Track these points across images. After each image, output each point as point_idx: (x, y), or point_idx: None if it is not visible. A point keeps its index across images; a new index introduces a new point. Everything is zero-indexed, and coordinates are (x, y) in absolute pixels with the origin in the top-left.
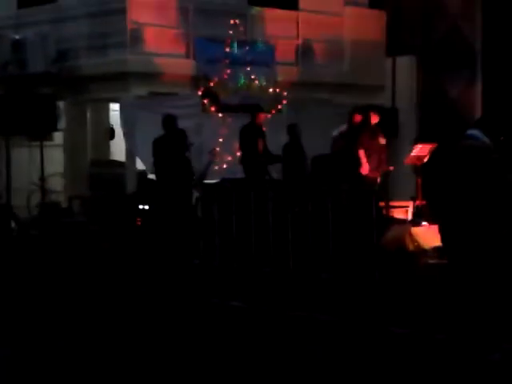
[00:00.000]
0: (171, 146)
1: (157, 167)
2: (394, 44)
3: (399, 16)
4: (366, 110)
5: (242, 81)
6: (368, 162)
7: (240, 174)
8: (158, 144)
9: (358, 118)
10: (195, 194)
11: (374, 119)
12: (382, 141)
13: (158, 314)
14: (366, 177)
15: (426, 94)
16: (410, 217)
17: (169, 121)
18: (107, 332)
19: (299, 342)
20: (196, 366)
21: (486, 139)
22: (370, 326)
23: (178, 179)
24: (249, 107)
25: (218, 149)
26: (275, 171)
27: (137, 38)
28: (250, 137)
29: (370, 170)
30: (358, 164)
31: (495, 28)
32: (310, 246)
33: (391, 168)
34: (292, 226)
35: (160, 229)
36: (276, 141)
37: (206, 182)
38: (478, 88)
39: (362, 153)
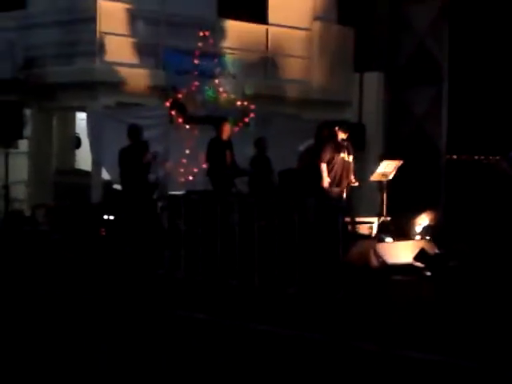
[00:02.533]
0: (137, 157)
1: (122, 177)
2: (362, 60)
3: (367, 32)
4: (332, 126)
5: (210, 93)
6: (329, 176)
7: (206, 186)
8: (123, 154)
9: (324, 133)
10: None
11: (341, 135)
12: (348, 156)
13: (121, 324)
14: (331, 192)
15: (392, 111)
16: (374, 233)
17: (134, 131)
18: (64, 342)
19: (262, 356)
20: (159, 378)
21: None
22: (334, 341)
23: (142, 189)
24: (215, 120)
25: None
26: (242, 184)
27: (105, 47)
28: (218, 149)
29: (332, 185)
30: (321, 178)
31: (462, 45)
32: (276, 260)
33: (357, 183)
34: (258, 240)
35: (124, 239)
36: (243, 154)
37: (172, 193)
38: (444, 105)
39: (323, 167)
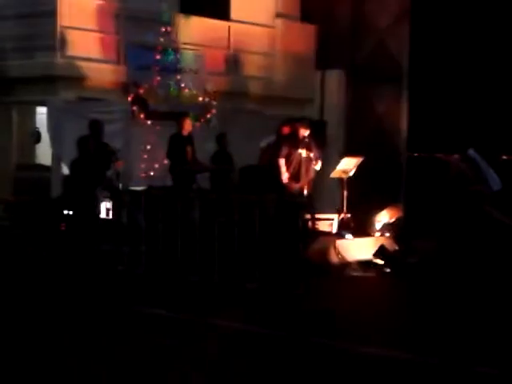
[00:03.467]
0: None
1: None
2: (324, 58)
3: (329, 30)
4: (293, 122)
5: (172, 88)
6: (288, 171)
7: (167, 182)
8: (81, 144)
9: (285, 129)
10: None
11: (302, 131)
12: (308, 153)
13: (80, 319)
14: (291, 188)
15: (353, 108)
16: (334, 229)
17: (95, 126)
18: (22, 339)
19: (221, 351)
20: (116, 373)
21: (482, 163)
22: (293, 336)
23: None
24: (177, 115)
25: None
26: (203, 180)
27: (66, 41)
28: (178, 145)
29: (291, 180)
30: (281, 175)
31: (422, 44)
32: (236, 256)
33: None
34: (218, 236)
35: (82, 233)
36: (204, 149)
37: (132, 188)
38: (404, 103)
39: (281, 162)
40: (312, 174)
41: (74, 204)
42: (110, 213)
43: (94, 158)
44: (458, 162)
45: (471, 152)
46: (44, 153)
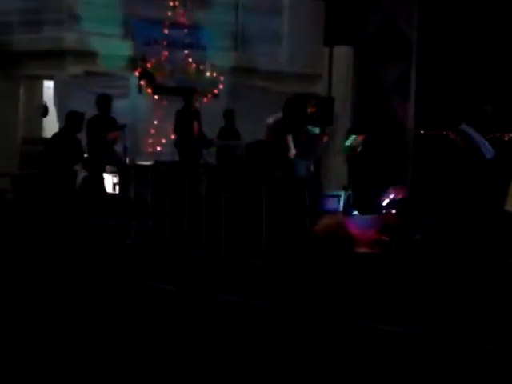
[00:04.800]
0: (103, 129)
1: (90, 147)
2: (332, 34)
3: (337, 6)
4: (302, 98)
5: (179, 63)
6: (296, 148)
7: (174, 157)
8: (90, 125)
9: (292, 106)
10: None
11: (310, 108)
12: (316, 129)
13: (90, 294)
14: (299, 164)
15: (361, 85)
16: (341, 206)
17: (103, 101)
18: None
19: (229, 326)
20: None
21: (475, 135)
22: (301, 312)
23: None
24: (184, 90)
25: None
26: (210, 156)
27: (74, 15)
28: (185, 120)
29: (299, 157)
30: (289, 150)
31: (430, 20)
32: (243, 232)
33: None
34: (225, 211)
35: (93, 209)
36: (212, 125)
37: (139, 163)
38: (413, 80)
39: (289, 138)
40: (320, 150)
41: (52, 179)
42: (117, 187)
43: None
44: (455, 140)
45: (463, 126)
46: (51, 127)
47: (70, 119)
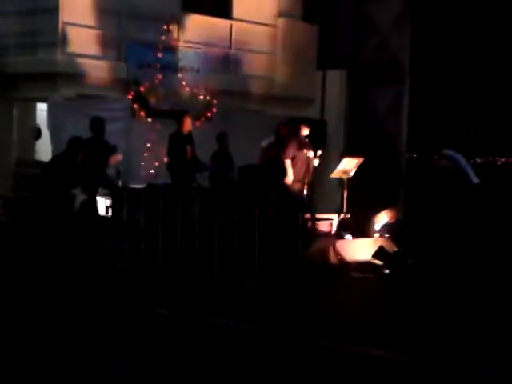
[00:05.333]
0: (98, 152)
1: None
2: (325, 57)
3: (331, 30)
4: (295, 122)
5: (173, 87)
6: (293, 172)
7: (167, 180)
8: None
9: (284, 130)
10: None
11: (304, 131)
12: (309, 153)
13: (80, 317)
14: (292, 188)
15: (354, 108)
16: (334, 230)
17: (97, 124)
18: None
19: (221, 350)
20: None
21: (461, 159)
22: (293, 336)
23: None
24: (177, 113)
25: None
26: (203, 179)
27: (67, 38)
28: (178, 143)
29: (295, 181)
30: (284, 174)
31: (424, 45)
32: (236, 255)
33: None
34: (218, 235)
35: (83, 233)
36: (205, 148)
37: (132, 186)
38: (405, 104)
39: (287, 163)
40: (311, 174)
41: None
42: (110, 210)
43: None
44: (437, 160)
45: (447, 151)
46: (44, 149)
47: (72, 144)
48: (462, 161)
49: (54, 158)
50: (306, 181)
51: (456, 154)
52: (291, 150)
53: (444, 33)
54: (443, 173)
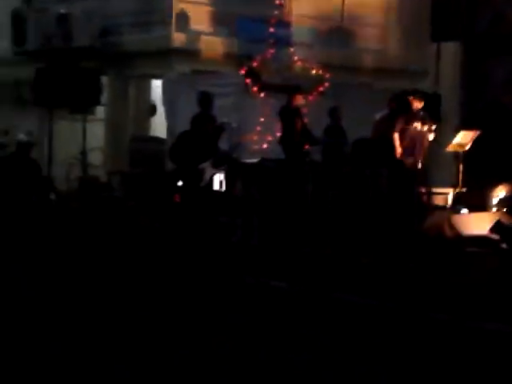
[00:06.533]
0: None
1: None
2: (439, 29)
3: (445, 2)
4: (408, 95)
5: (285, 61)
6: (402, 146)
7: (280, 155)
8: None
9: (397, 103)
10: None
11: (416, 104)
12: (422, 127)
13: (196, 290)
14: (406, 162)
15: (470, 81)
16: (449, 204)
17: (204, 98)
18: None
19: (338, 323)
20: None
21: None
22: (409, 311)
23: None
24: (289, 88)
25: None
26: (316, 153)
27: (181, 15)
28: (288, 118)
29: (403, 155)
30: (394, 148)
31: None
32: (349, 230)
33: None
34: (331, 208)
35: (193, 205)
36: (318, 123)
37: (247, 161)
38: None
39: (395, 136)
40: (426, 148)
41: (182, 176)
42: (224, 185)
43: (201, 134)
44: None
45: None
46: (159, 125)
47: (196, 121)
48: None
49: (184, 133)
50: (420, 155)
51: None
52: (399, 124)
53: None
54: None
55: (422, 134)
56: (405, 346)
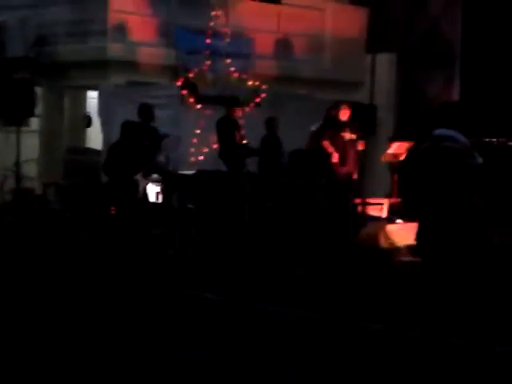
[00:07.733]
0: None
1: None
2: (375, 41)
3: (380, 13)
4: (335, 106)
5: (222, 73)
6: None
7: (216, 167)
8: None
9: (332, 113)
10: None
11: (344, 114)
12: (349, 136)
13: (130, 304)
14: (340, 172)
15: (404, 92)
16: (384, 214)
17: (145, 110)
18: (73, 324)
19: (270, 336)
20: (166, 356)
21: (465, 140)
22: (344, 321)
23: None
24: (226, 100)
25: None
26: (252, 164)
27: (117, 25)
28: (227, 129)
29: (338, 164)
30: (330, 158)
31: (475, 28)
32: (285, 241)
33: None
34: (267, 221)
35: (129, 217)
36: (254, 134)
37: (182, 172)
38: (456, 87)
39: (326, 144)
40: (356, 158)
41: (117, 188)
42: (160, 197)
43: (135, 143)
44: (436, 142)
45: (444, 131)
46: (95, 137)
47: (127, 128)
48: (466, 140)
49: (115, 144)
50: (352, 164)
51: (457, 134)
52: (327, 132)
53: (496, 15)
54: (457, 155)
55: (352, 143)
56: (340, 355)
